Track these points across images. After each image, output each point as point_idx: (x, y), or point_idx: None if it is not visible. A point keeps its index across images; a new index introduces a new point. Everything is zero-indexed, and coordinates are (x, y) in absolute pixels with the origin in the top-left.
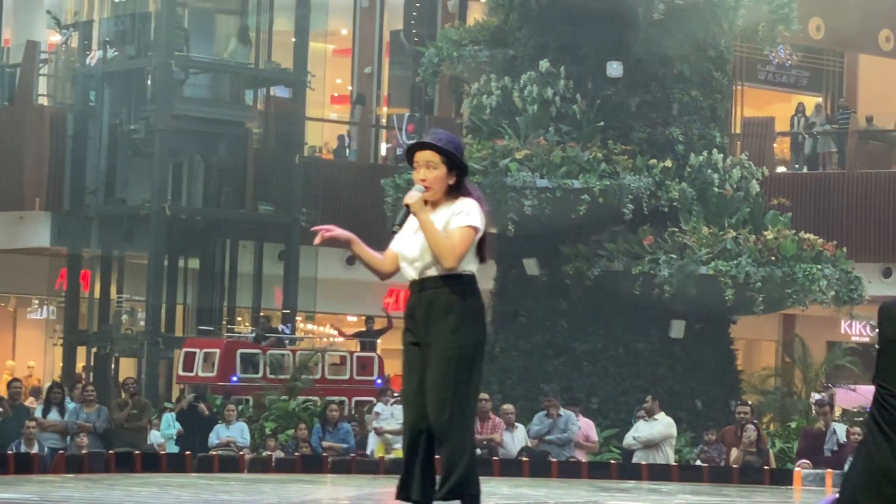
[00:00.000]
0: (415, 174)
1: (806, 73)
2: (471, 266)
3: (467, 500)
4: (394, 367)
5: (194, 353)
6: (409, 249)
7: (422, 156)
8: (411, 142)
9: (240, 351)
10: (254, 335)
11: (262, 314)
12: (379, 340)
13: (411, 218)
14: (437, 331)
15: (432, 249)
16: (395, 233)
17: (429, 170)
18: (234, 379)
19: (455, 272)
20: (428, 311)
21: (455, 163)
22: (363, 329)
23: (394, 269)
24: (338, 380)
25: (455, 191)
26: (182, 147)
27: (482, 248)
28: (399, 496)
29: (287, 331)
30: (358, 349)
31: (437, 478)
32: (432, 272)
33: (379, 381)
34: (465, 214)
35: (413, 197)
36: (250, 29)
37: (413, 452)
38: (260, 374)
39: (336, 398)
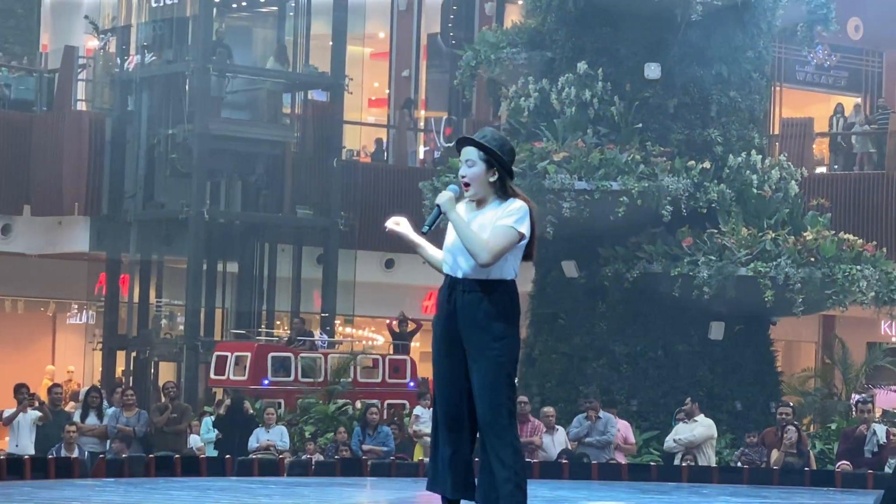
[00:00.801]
0: (460, 171)
1: (844, 74)
2: (514, 270)
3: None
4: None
5: (226, 356)
6: (452, 246)
7: (464, 152)
8: (448, 144)
9: (271, 354)
10: (286, 339)
11: (295, 318)
12: (416, 343)
13: (462, 211)
14: (482, 338)
15: (465, 246)
16: (424, 234)
17: (468, 167)
18: (266, 382)
19: (496, 277)
20: (470, 316)
21: (496, 160)
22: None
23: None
24: (370, 383)
25: (501, 190)
26: (220, 166)
27: (531, 248)
28: (430, 488)
29: (325, 338)
30: (391, 352)
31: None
32: (475, 275)
33: (412, 383)
34: (511, 216)
35: (443, 196)
36: (287, 35)
37: (444, 445)
38: (292, 378)
39: (368, 401)
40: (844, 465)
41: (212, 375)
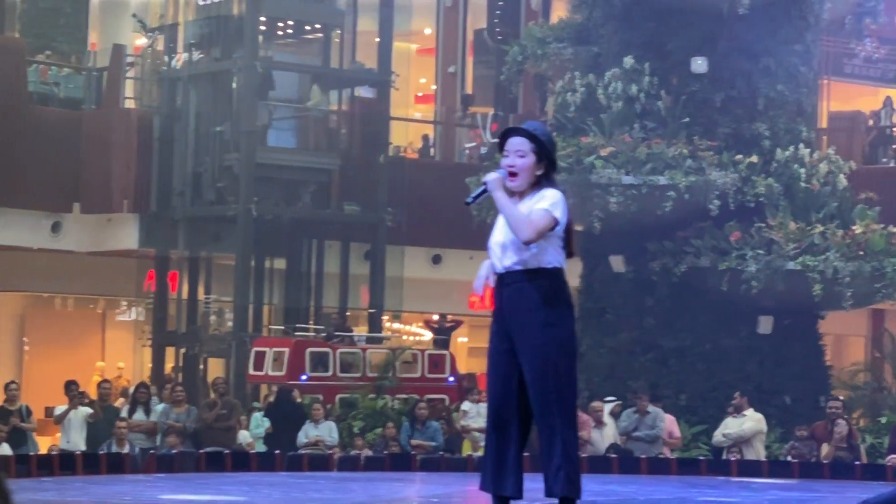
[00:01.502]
0: (503, 161)
1: (893, 66)
2: (556, 259)
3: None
4: (479, 366)
5: (264, 352)
6: (495, 235)
7: (512, 143)
8: (495, 140)
9: (309, 350)
10: (324, 334)
11: (333, 315)
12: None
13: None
14: (527, 327)
15: (508, 223)
16: (468, 204)
17: (518, 157)
18: (304, 377)
19: (536, 266)
20: (515, 306)
21: (545, 154)
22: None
23: None
24: (410, 378)
25: (541, 183)
26: (265, 194)
27: (570, 243)
28: (484, 488)
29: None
30: (431, 347)
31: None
32: (516, 266)
33: (451, 378)
34: (546, 200)
35: (491, 175)
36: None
37: (498, 443)
38: (330, 373)
39: (407, 396)
40: (894, 458)
41: (250, 371)
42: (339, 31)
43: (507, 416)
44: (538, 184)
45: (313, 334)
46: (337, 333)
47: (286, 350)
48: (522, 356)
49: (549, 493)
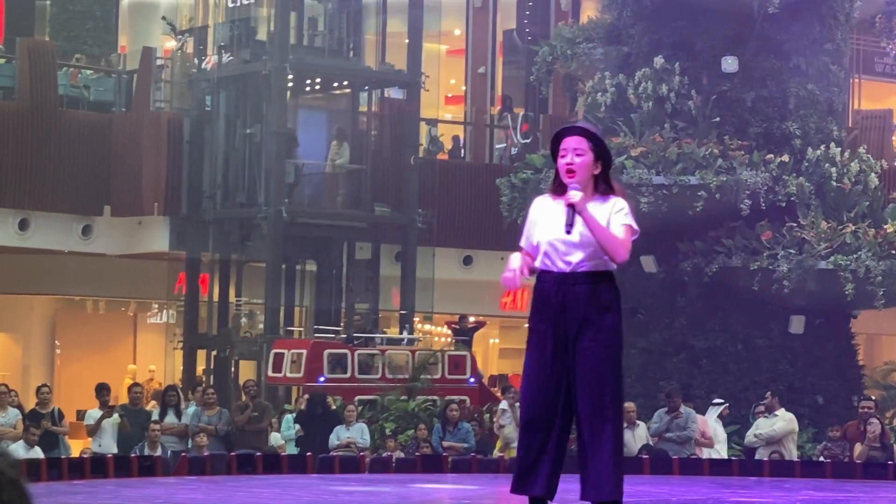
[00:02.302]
0: (560, 161)
1: None
2: (613, 264)
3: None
4: (511, 366)
5: (283, 353)
6: (556, 239)
7: (569, 142)
8: (525, 140)
9: (327, 351)
10: (344, 336)
11: (356, 317)
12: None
13: (537, 208)
14: (595, 328)
15: (602, 245)
16: (568, 232)
17: (577, 156)
18: (322, 379)
19: (603, 269)
20: (583, 307)
21: (602, 153)
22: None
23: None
24: (430, 379)
25: (602, 184)
26: (294, 252)
27: None
28: (518, 490)
29: (406, 333)
30: (451, 348)
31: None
32: (583, 266)
33: (472, 380)
34: (626, 214)
35: (576, 195)
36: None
37: (535, 445)
38: (348, 374)
39: (427, 398)
40: None
41: (269, 373)
42: (367, 88)
43: (551, 415)
44: (596, 185)
45: (333, 336)
46: (356, 335)
47: (304, 352)
48: (583, 357)
49: (595, 496)
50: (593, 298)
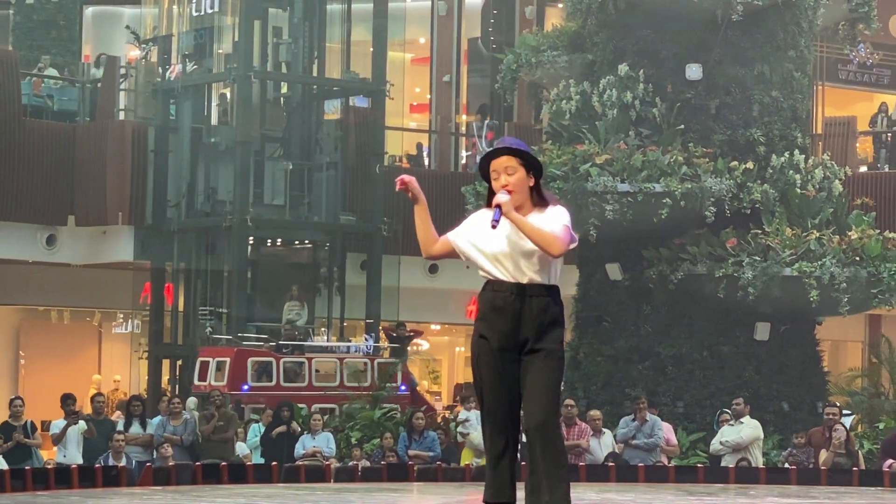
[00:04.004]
0: (494, 183)
1: (887, 72)
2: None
3: None
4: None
5: (208, 361)
6: (492, 246)
7: (498, 163)
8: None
9: (251, 359)
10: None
11: (285, 325)
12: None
13: (477, 217)
14: (548, 339)
15: (536, 241)
16: (494, 227)
17: (509, 175)
18: (246, 388)
19: (554, 283)
20: (539, 318)
21: (531, 164)
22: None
23: (438, 253)
24: (357, 387)
25: (538, 196)
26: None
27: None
28: (489, 499)
29: (370, 341)
30: (386, 356)
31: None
32: (538, 279)
33: (403, 387)
34: (562, 217)
35: (504, 196)
36: (329, 42)
37: (503, 456)
38: (273, 382)
39: (355, 405)
40: (892, 464)
41: (195, 381)
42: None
43: (513, 422)
44: (537, 197)
45: (260, 343)
46: (283, 342)
47: (228, 359)
48: (532, 367)
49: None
50: (549, 311)
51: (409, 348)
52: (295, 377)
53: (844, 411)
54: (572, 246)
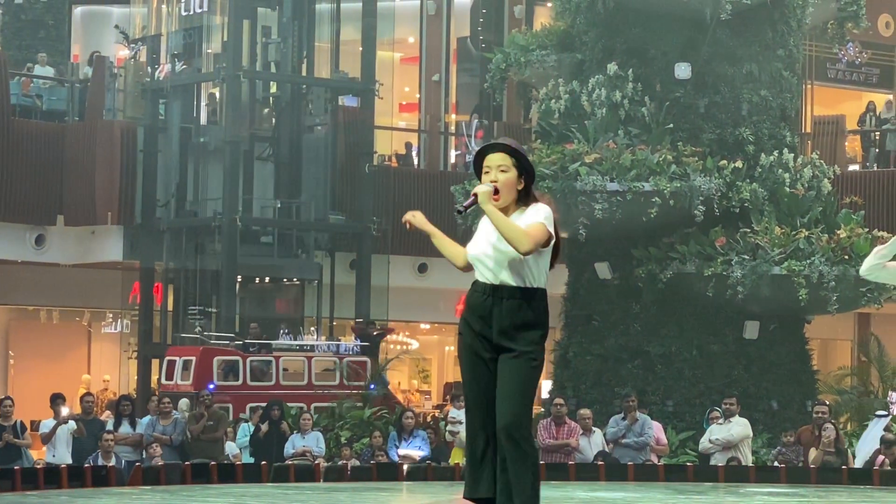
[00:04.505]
0: (484, 177)
1: (876, 71)
2: (545, 280)
3: None
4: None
5: (175, 360)
6: (476, 248)
7: (493, 159)
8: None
9: (216, 358)
10: (241, 343)
11: (252, 324)
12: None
13: (484, 223)
14: (519, 341)
15: (504, 236)
16: (458, 213)
17: (501, 172)
18: (211, 387)
19: (534, 285)
20: (510, 322)
21: (524, 168)
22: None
23: (464, 265)
24: (327, 385)
25: (524, 198)
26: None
27: (555, 256)
28: (467, 495)
29: (358, 341)
30: (358, 355)
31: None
32: (512, 281)
33: (372, 386)
34: (543, 215)
35: (483, 187)
36: (318, 41)
37: (483, 453)
38: (240, 381)
39: (325, 404)
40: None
41: (162, 380)
42: None
43: (491, 420)
44: (520, 199)
45: (226, 342)
46: (250, 342)
47: (193, 358)
48: (504, 367)
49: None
50: (520, 313)
51: (397, 347)
52: (262, 376)
53: None
54: (552, 242)
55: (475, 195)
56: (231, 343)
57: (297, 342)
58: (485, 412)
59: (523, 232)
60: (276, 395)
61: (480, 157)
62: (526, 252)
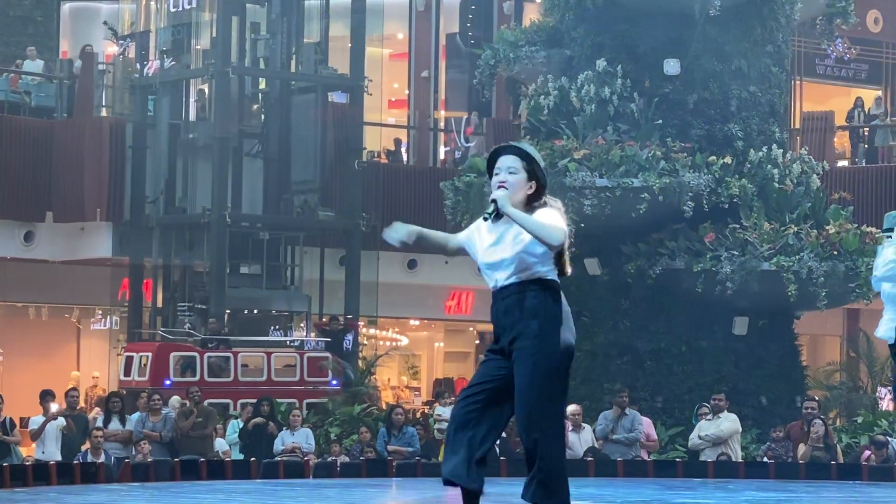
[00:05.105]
0: (494, 178)
1: (865, 67)
2: (550, 272)
3: None
4: (456, 370)
5: (132, 357)
6: (486, 258)
7: (504, 161)
8: (468, 144)
9: (173, 354)
10: (199, 338)
11: (211, 319)
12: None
13: (483, 229)
14: (520, 336)
15: (535, 233)
16: (486, 220)
17: (510, 174)
18: (168, 383)
19: (531, 277)
20: (508, 317)
21: (536, 174)
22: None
23: (454, 250)
24: (287, 381)
25: (534, 202)
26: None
27: (562, 263)
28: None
29: (349, 340)
30: (321, 351)
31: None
32: (510, 280)
33: (334, 382)
34: (550, 211)
35: (500, 192)
36: (307, 37)
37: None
38: (197, 378)
39: (286, 400)
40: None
41: (121, 377)
42: None
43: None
44: (529, 204)
45: (184, 338)
46: (208, 337)
47: (150, 354)
48: (515, 366)
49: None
50: (520, 306)
51: (386, 343)
52: (220, 372)
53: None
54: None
55: (494, 201)
56: (188, 339)
57: (254, 338)
58: (464, 409)
59: (552, 226)
60: (232, 392)
61: (493, 159)
62: (558, 244)
